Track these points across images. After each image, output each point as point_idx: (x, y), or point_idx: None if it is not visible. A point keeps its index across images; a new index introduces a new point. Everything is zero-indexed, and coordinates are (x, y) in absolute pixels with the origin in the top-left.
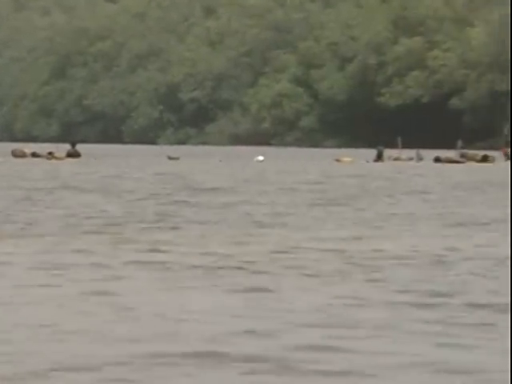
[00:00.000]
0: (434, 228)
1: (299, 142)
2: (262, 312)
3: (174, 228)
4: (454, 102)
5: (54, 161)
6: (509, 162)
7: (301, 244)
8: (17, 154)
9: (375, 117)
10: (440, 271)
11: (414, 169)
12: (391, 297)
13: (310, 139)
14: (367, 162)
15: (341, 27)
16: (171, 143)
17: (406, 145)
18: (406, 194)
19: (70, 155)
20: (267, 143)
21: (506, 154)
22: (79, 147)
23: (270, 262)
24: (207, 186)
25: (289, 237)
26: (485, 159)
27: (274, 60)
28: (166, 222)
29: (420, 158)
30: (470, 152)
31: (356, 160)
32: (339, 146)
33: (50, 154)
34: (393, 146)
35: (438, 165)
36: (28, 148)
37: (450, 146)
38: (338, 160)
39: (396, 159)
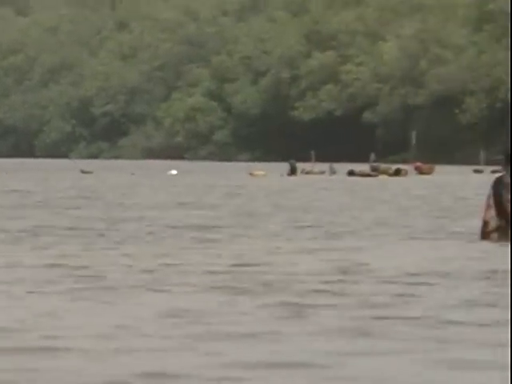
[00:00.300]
0: (345, 241)
1: (213, 156)
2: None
3: (83, 241)
4: (367, 115)
5: None
6: (420, 176)
7: (192, 257)
8: None
9: (289, 130)
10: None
11: (326, 182)
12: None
13: (223, 153)
14: (281, 175)
15: (254, 41)
16: (83, 157)
17: (320, 158)
18: (315, 208)
19: None
20: (181, 157)
21: (416, 168)
22: None
23: (178, 276)
24: (117, 201)
25: (186, 248)
26: (397, 173)
27: (187, 74)
28: (76, 235)
29: (333, 172)
30: (383, 165)
31: (269, 174)
32: (253, 160)
33: None
34: (306, 159)
35: (351, 178)
36: None
37: (364, 159)
38: (251, 174)
39: (309, 173)
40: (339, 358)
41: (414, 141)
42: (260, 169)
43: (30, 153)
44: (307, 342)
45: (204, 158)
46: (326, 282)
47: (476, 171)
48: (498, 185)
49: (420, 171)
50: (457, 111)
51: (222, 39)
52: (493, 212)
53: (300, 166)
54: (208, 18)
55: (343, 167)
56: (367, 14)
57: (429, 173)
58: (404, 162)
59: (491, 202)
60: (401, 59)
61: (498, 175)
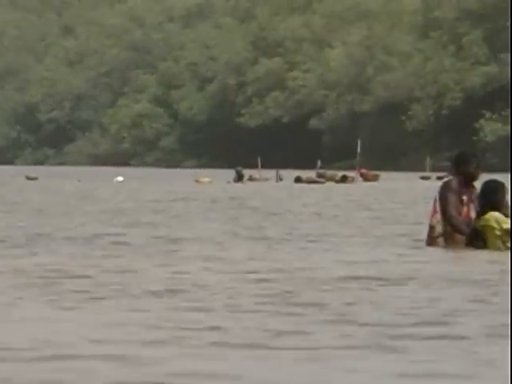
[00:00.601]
0: (289, 247)
1: (159, 163)
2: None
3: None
4: (314, 122)
5: None
6: (366, 183)
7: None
8: None
9: (235, 137)
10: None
11: (272, 189)
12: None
13: (170, 159)
14: (228, 182)
15: (200, 48)
16: (29, 163)
17: (266, 165)
18: (262, 214)
19: None
20: (127, 163)
21: (362, 175)
22: None
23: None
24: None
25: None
26: (344, 179)
27: (134, 80)
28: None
29: (280, 179)
30: (329, 172)
31: (215, 181)
32: (199, 167)
33: None
34: (253, 166)
35: (298, 185)
36: None
37: (311, 166)
38: (197, 181)
39: (255, 179)
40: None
41: (359, 149)
42: (206, 175)
43: None
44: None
45: (150, 165)
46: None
47: (423, 178)
48: (444, 190)
49: (365, 178)
50: (403, 118)
51: (169, 45)
52: (439, 217)
53: (247, 172)
54: (154, 24)
55: (290, 174)
56: (314, 20)
57: (374, 180)
58: (350, 168)
59: (437, 206)
60: (347, 66)
61: (445, 180)
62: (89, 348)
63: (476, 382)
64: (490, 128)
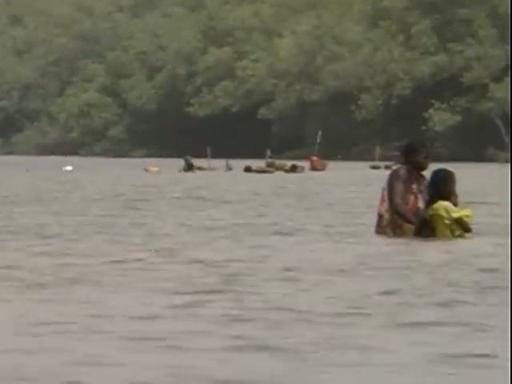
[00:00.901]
0: (237, 237)
1: (108, 152)
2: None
3: None
4: (263, 111)
5: None
6: (315, 171)
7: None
8: None
9: (185, 127)
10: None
11: (222, 178)
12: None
13: (118, 149)
14: (179, 171)
15: (149, 37)
16: None
17: (216, 155)
18: (210, 203)
19: None
20: (75, 153)
21: (311, 164)
22: None
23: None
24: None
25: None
26: (293, 169)
27: (82, 69)
28: None
29: (229, 168)
30: (279, 162)
31: (164, 170)
32: (148, 156)
33: None
34: (202, 155)
35: (248, 174)
36: None
37: (260, 155)
38: (146, 170)
39: (205, 169)
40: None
41: (318, 139)
42: (155, 165)
43: None
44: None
45: (99, 155)
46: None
47: (373, 167)
48: (392, 178)
49: (313, 167)
50: (353, 107)
51: (117, 35)
52: (387, 206)
53: (196, 162)
54: (103, 14)
55: (240, 163)
56: (263, 10)
57: (322, 169)
58: (302, 157)
59: (385, 195)
60: (297, 55)
61: (393, 169)
62: None
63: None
64: (439, 118)
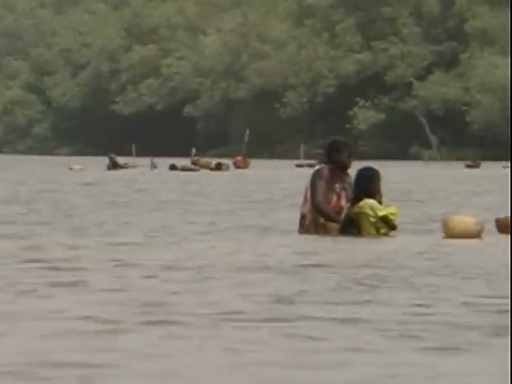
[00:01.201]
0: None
1: (32, 150)
2: None
3: None
4: (188, 109)
5: None
6: (239, 170)
7: None
8: None
9: (109, 124)
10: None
11: (146, 176)
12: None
13: (42, 147)
14: (104, 170)
15: (73, 34)
16: None
17: (141, 153)
18: (134, 201)
19: None
20: None
21: (235, 163)
22: None
23: None
24: None
25: None
26: (219, 167)
27: (5, 67)
28: None
29: (154, 166)
30: (203, 160)
31: (88, 168)
32: (73, 154)
33: None
34: (127, 153)
35: (173, 172)
36: None
37: (186, 153)
38: (70, 168)
39: (128, 167)
40: None
41: (246, 138)
42: (79, 163)
43: None
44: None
45: (23, 152)
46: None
47: (298, 165)
48: (314, 177)
49: (236, 165)
50: (277, 105)
51: (40, 32)
52: (309, 205)
53: (121, 160)
54: (25, 10)
55: (165, 162)
56: (188, 7)
57: (245, 167)
58: (227, 155)
59: (308, 195)
60: (222, 53)
61: (316, 168)
62: None
63: None
64: (363, 116)
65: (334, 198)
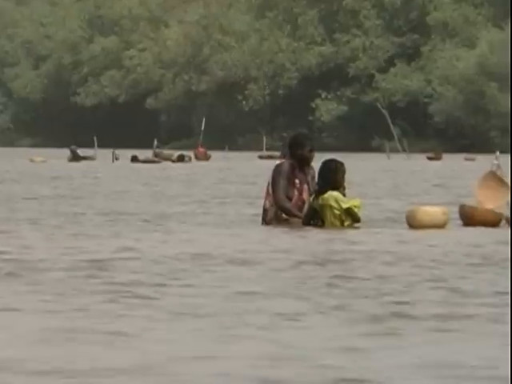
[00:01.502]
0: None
1: None
2: None
3: None
4: (151, 101)
5: None
6: (201, 162)
7: None
8: None
9: (71, 116)
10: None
11: (108, 168)
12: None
13: (3, 138)
14: (68, 161)
15: (35, 25)
16: None
17: (103, 144)
18: (97, 193)
19: None
20: None
21: (195, 154)
22: None
23: None
24: None
25: None
26: (181, 159)
27: None
28: None
29: (116, 158)
30: (165, 152)
31: (49, 160)
32: (34, 146)
33: None
34: (89, 145)
35: (134, 164)
36: None
37: (148, 145)
38: (31, 160)
39: (91, 159)
40: None
41: (203, 126)
42: (40, 154)
43: None
44: None
45: None
46: None
47: (261, 157)
48: (275, 173)
49: (197, 158)
50: (240, 97)
51: (2, 23)
52: (272, 200)
53: (83, 152)
54: None
55: (127, 153)
56: None
57: (206, 159)
58: (189, 147)
59: (270, 190)
60: (184, 45)
61: (277, 163)
62: None
63: None
64: (326, 108)
65: (296, 194)
